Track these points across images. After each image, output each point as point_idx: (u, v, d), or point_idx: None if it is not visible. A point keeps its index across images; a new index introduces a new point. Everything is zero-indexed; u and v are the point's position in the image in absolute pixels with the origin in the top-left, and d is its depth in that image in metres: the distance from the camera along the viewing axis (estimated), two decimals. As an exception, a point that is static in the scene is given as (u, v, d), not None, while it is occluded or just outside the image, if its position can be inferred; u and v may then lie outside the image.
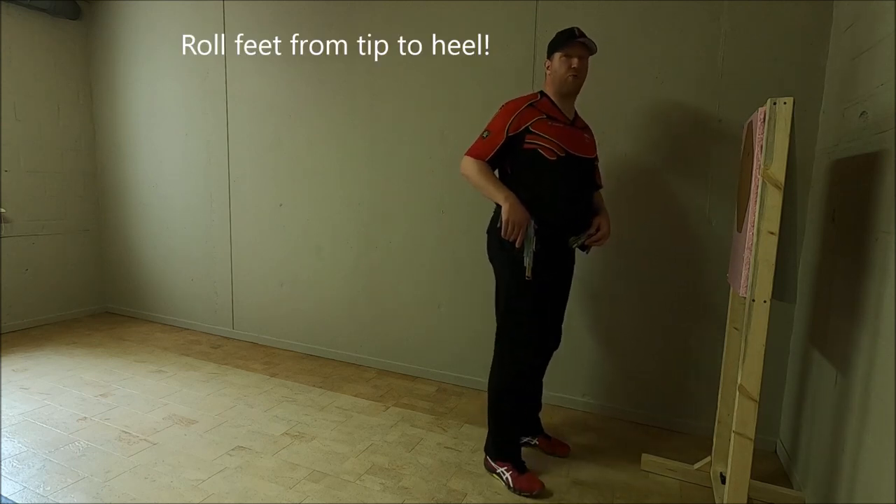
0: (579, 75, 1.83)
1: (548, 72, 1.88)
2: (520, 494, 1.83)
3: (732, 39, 2.09)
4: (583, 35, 1.81)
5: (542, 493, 1.84)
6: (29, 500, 1.73)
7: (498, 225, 1.80)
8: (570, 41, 1.81)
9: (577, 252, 1.99)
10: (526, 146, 1.79)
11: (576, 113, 1.93)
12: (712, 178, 2.18)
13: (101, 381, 2.73)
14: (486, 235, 1.96)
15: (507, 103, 1.86)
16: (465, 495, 1.82)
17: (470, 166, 1.82)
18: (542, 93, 1.89)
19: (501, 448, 1.93)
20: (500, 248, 1.86)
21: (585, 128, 1.95)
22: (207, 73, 3.38)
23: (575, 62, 1.81)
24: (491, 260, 1.95)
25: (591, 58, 1.85)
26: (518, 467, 1.89)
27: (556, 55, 1.84)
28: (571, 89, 1.85)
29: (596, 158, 1.98)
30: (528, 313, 1.84)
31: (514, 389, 1.92)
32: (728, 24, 2.09)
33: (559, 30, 1.87)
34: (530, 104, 1.82)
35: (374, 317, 3.02)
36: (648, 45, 2.23)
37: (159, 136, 3.66)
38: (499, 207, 1.82)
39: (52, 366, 2.93)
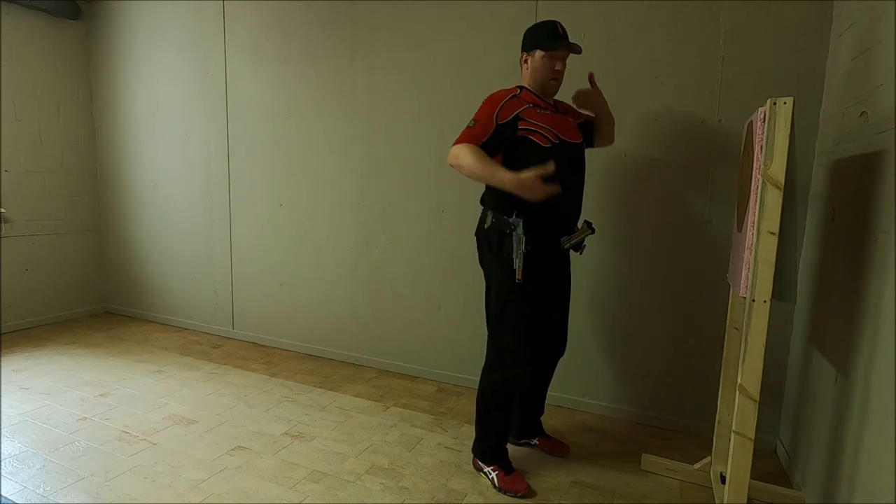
0: (559, 78, 1.76)
1: (525, 66, 1.77)
2: (505, 494, 1.82)
3: (732, 39, 2.09)
4: (565, 34, 1.72)
5: (528, 494, 1.82)
6: (29, 500, 1.73)
7: (487, 226, 1.75)
8: (554, 42, 1.70)
9: (574, 255, 1.96)
10: (519, 132, 1.69)
11: (555, 100, 1.86)
12: (712, 178, 2.18)
13: (101, 381, 2.73)
14: (475, 238, 1.90)
15: (489, 96, 1.77)
16: (465, 495, 1.82)
17: (463, 152, 1.66)
18: (520, 87, 1.79)
19: (487, 452, 1.92)
20: (489, 253, 1.80)
21: (568, 112, 1.88)
22: (207, 73, 3.38)
23: (558, 65, 1.72)
24: (481, 264, 1.90)
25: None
26: (504, 468, 1.88)
27: (537, 53, 1.73)
28: (552, 91, 1.78)
29: (584, 142, 1.89)
30: (518, 319, 1.78)
31: (503, 397, 1.87)
32: (728, 24, 2.09)
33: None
34: (513, 96, 1.73)
35: (374, 317, 3.02)
36: (648, 45, 2.22)
37: (159, 136, 3.66)
38: (485, 212, 1.78)
39: (52, 366, 2.93)
